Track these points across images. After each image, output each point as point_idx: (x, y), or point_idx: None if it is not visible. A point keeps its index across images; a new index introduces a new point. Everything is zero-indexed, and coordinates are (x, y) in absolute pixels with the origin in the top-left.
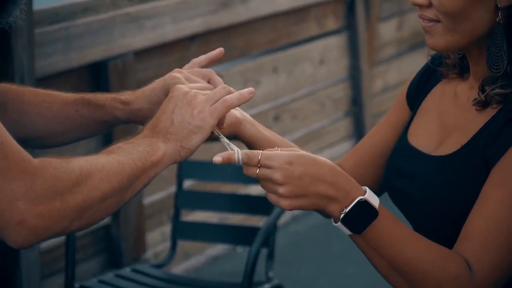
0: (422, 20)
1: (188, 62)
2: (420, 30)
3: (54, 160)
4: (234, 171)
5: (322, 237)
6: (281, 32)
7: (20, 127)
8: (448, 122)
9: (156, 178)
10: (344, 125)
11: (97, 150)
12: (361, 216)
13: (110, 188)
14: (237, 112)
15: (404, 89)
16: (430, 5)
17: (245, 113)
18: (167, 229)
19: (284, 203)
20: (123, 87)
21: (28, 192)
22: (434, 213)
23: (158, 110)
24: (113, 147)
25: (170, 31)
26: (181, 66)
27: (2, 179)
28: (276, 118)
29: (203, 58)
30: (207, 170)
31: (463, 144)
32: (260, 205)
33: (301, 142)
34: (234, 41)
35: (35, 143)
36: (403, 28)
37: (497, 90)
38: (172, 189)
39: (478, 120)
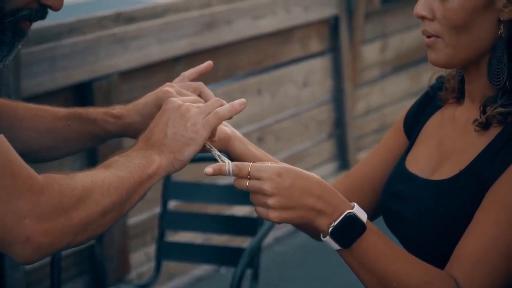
0: (424, 36)
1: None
2: (403, 52)
3: (58, 177)
4: (219, 192)
5: (306, 258)
6: (266, 53)
7: (14, 141)
8: (446, 147)
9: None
10: (327, 147)
11: (81, 161)
12: (349, 230)
13: (110, 203)
14: (227, 129)
15: (401, 117)
16: (433, 19)
17: (234, 130)
18: (151, 249)
19: (273, 215)
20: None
21: (35, 209)
22: (430, 236)
23: (152, 123)
24: (111, 160)
25: (155, 52)
26: None
27: (10, 197)
28: (260, 139)
29: (192, 71)
30: (192, 190)
31: (461, 168)
32: (244, 226)
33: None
34: (219, 62)
35: (27, 157)
36: (387, 50)
37: (498, 109)
38: (157, 209)
39: (477, 143)
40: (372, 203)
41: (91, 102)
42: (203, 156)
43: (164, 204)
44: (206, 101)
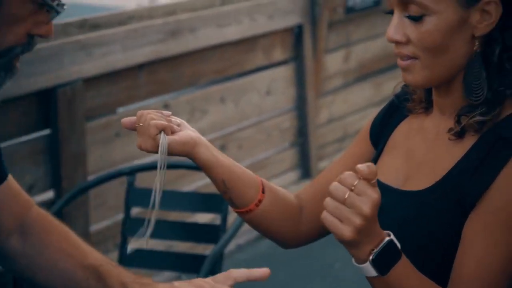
0: (399, 58)
1: (137, 90)
2: (366, 62)
3: None
4: (181, 199)
5: (268, 266)
6: (229, 61)
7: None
8: (416, 157)
9: (103, 205)
10: (290, 155)
11: (44, 167)
12: (388, 257)
13: None
14: (192, 134)
15: (367, 126)
16: (407, 42)
17: (200, 136)
18: (113, 256)
19: (348, 233)
20: (72, 114)
21: None
22: (406, 245)
23: None
24: None
25: (119, 59)
26: (130, 93)
27: None
28: (223, 147)
29: (242, 274)
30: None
31: (438, 179)
32: (207, 233)
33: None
34: (182, 70)
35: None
36: (350, 60)
37: (477, 118)
38: (120, 216)
39: (452, 153)
40: None
41: (55, 108)
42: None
43: (127, 211)
44: None
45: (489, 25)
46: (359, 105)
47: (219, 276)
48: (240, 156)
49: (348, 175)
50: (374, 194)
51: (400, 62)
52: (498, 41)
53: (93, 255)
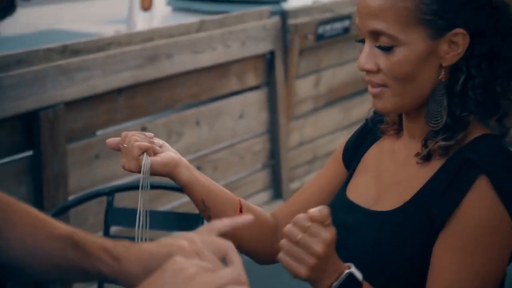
0: (369, 85)
1: (116, 113)
2: (336, 87)
3: None
4: (158, 218)
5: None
6: (204, 86)
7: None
8: (386, 178)
9: (83, 224)
10: (262, 177)
11: (27, 196)
12: None
13: None
14: (173, 154)
15: (340, 148)
16: (378, 71)
17: (181, 156)
18: None
19: (303, 272)
20: (54, 136)
21: None
22: (374, 264)
23: (145, 282)
24: None
25: (99, 83)
26: (109, 116)
27: None
28: (198, 169)
29: (226, 224)
30: (134, 217)
31: (406, 200)
32: None
33: None
34: (159, 94)
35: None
36: (320, 85)
37: (440, 143)
38: (99, 235)
39: (420, 176)
40: None
41: (38, 130)
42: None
43: (107, 230)
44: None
45: (456, 55)
46: (328, 129)
47: (202, 229)
48: (214, 177)
49: (301, 218)
50: (327, 235)
51: (371, 89)
52: (463, 70)
53: (62, 226)
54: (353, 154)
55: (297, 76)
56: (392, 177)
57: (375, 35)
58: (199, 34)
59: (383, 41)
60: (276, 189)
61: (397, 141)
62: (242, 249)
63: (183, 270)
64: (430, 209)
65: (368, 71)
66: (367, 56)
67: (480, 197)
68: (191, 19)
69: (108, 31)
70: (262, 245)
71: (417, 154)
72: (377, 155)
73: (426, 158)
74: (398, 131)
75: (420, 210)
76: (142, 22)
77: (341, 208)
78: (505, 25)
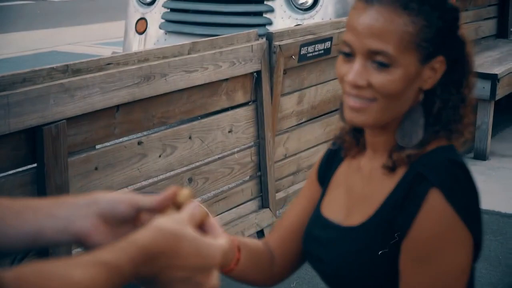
0: (351, 100)
1: (114, 128)
2: (317, 104)
3: (31, 279)
4: None
5: None
6: (196, 103)
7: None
8: (355, 194)
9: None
10: (250, 187)
11: None
12: None
13: None
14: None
15: (314, 169)
16: (368, 86)
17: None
18: None
19: None
20: (56, 149)
21: None
22: (349, 276)
23: (169, 244)
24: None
25: (98, 100)
26: (107, 131)
27: None
28: (190, 180)
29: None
30: None
31: (371, 214)
32: None
33: (212, 202)
34: (154, 111)
35: None
36: (303, 102)
37: (408, 151)
38: None
39: (384, 188)
40: (301, 249)
41: (41, 144)
42: None
43: None
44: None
45: (434, 80)
46: (311, 143)
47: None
48: (205, 188)
49: None
50: None
51: (354, 103)
52: (437, 94)
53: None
54: (325, 173)
55: (282, 93)
56: (359, 192)
57: (373, 53)
58: (191, 55)
59: (381, 59)
60: (263, 200)
61: (362, 157)
62: (245, 282)
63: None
64: (391, 222)
65: (358, 86)
66: (360, 72)
67: (433, 209)
68: (182, 41)
69: (105, 52)
70: (262, 274)
71: (383, 166)
72: (346, 171)
73: (391, 168)
74: (361, 150)
75: (383, 223)
76: (137, 44)
77: (316, 224)
78: (468, 57)
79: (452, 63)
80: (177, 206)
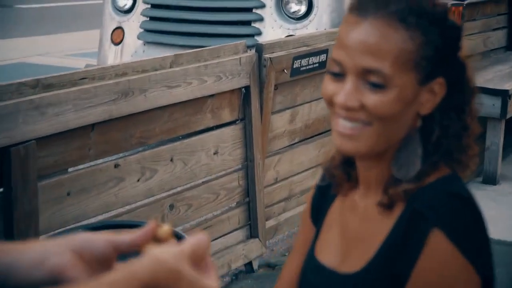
0: (344, 124)
1: (88, 149)
2: (312, 123)
3: None
4: None
5: None
6: (178, 122)
7: None
8: (350, 235)
9: None
10: (237, 214)
11: None
12: None
13: None
14: None
15: (306, 208)
16: (361, 108)
17: None
18: None
19: None
20: (24, 173)
21: None
22: None
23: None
24: None
25: (72, 118)
26: (81, 153)
27: None
28: (172, 207)
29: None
30: None
31: (369, 259)
32: None
33: (195, 231)
34: (133, 130)
35: None
36: (295, 120)
37: (405, 186)
38: None
39: (382, 228)
40: None
41: (9, 167)
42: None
43: None
44: None
45: (433, 104)
46: (304, 165)
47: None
48: (188, 215)
49: None
50: None
51: (344, 129)
52: (436, 120)
53: None
54: (319, 211)
55: (273, 111)
56: (355, 232)
57: (367, 72)
58: (174, 68)
59: (376, 79)
60: (251, 228)
61: (356, 193)
62: None
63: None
64: (392, 266)
65: (349, 109)
66: (350, 93)
67: (436, 252)
68: (163, 53)
69: (78, 65)
70: None
71: (379, 204)
72: (340, 210)
73: (388, 206)
74: (353, 186)
75: (383, 268)
76: (113, 56)
77: (310, 269)
78: (469, 81)
79: (452, 87)
80: (158, 242)
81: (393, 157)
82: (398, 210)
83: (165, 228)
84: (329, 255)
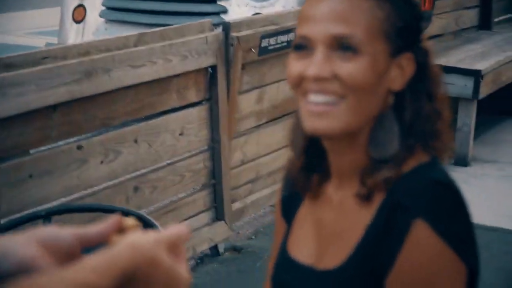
0: (316, 101)
1: (50, 131)
2: (279, 103)
3: None
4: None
5: None
6: (143, 102)
7: None
8: (326, 229)
9: None
10: (203, 197)
11: None
12: None
13: None
14: None
15: (277, 202)
16: (334, 78)
17: None
18: None
19: None
20: None
21: None
22: None
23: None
24: None
25: (33, 99)
26: (43, 135)
27: None
28: (136, 189)
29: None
30: None
31: (348, 254)
32: None
33: (160, 214)
34: (96, 111)
35: None
36: (263, 101)
37: (385, 174)
38: None
39: (359, 222)
40: None
41: None
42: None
43: None
44: None
45: (403, 81)
46: (271, 147)
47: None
48: (153, 198)
49: None
50: None
51: (317, 106)
52: (407, 99)
53: None
54: (289, 207)
55: (240, 91)
56: (331, 226)
57: (338, 39)
58: (138, 47)
59: (348, 43)
60: (217, 211)
61: (328, 184)
62: None
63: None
64: (373, 260)
65: (322, 79)
66: (322, 63)
67: (419, 243)
68: (126, 31)
69: (38, 43)
70: None
71: (357, 195)
72: (313, 203)
73: (367, 197)
74: (324, 179)
75: (364, 262)
76: (75, 35)
77: (282, 266)
78: (434, 68)
79: (420, 68)
80: (124, 233)
81: (369, 138)
82: (377, 201)
83: (131, 221)
84: (304, 252)
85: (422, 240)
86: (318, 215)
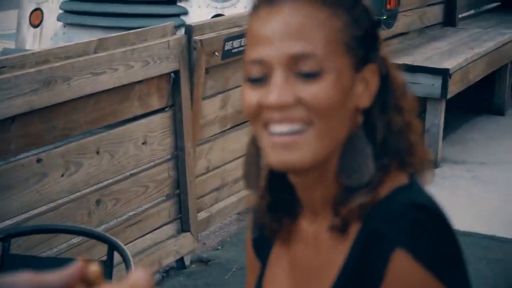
0: (280, 132)
1: (8, 143)
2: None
3: None
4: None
5: None
6: (104, 111)
7: None
8: (302, 266)
9: None
10: (167, 208)
11: None
12: None
13: None
14: None
15: (249, 245)
16: (298, 104)
17: None
18: None
19: None
20: None
21: None
22: None
23: None
24: None
25: None
26: (1, 147)
27: None
28: (99, 202)
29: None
30: (35, 264)
31: None
32: None
33: (123, 227)
34: (56, 122)
35: None
36: (227, 106)
37: (359, 199)
38: None
39: (335, 257)
40: None
41: None
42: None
43: None
44: None
45: (369, 96)
46: (237, 153)
47: None
48: (116, 210)
49: None
50: None
51: (282, 137)
52: (375, 115)
53: None
54: (262, 246)
55: (204, 96)
56: (308, 264)
57: (296, 60)
58: (99, 54)
59: (308, 66)
60: (182, 222)
61: (302, 219)
62: None
63: None
64: None
65: (284, 106)
66: (282, 86)
67: (402, 275)
68: (85, 35)
69: None
70: None
71: (330, 227)
72: (287, 239)
73: (341, 228)
74: (295, 215)
75: None
76: (32, 39)
77: None
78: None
79: (384, 80)
80: (87, 283)
81: (340, 164)
82: (353, 232)
83: (94, 268)
84: None
85: (404, 273)
86: (293, 252)
